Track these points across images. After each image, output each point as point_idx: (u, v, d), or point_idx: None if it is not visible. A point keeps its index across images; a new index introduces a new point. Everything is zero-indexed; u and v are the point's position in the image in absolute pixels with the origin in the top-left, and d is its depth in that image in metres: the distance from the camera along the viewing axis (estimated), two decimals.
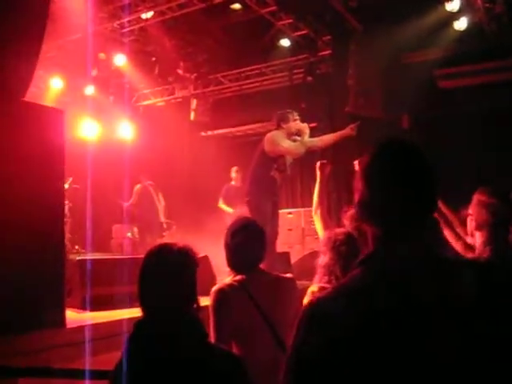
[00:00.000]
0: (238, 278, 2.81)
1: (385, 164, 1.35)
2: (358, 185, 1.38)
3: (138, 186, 10.35)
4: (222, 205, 9.43)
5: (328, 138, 6.83)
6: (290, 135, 6.30)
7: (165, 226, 10.12)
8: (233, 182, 9.77)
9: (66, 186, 9.06)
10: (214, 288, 2.80)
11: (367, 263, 1.30)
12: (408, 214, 1.31)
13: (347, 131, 6.54)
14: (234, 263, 2.88)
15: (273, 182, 6.31)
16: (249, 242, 2.85)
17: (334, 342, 1.18)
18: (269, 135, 6.29)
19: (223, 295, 2.72)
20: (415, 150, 1.40)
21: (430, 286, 1.21)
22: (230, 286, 2.77)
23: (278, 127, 6.37)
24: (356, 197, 1.39)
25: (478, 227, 3.33)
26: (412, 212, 1.32)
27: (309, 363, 1.20)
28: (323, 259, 3.24)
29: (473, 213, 3.36)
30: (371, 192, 1.35)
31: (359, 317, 1.18)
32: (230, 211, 9.04)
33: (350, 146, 7.44)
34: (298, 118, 6.44)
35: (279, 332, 2.69)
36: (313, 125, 6.85)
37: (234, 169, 9.79)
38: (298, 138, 6.30)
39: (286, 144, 6.21)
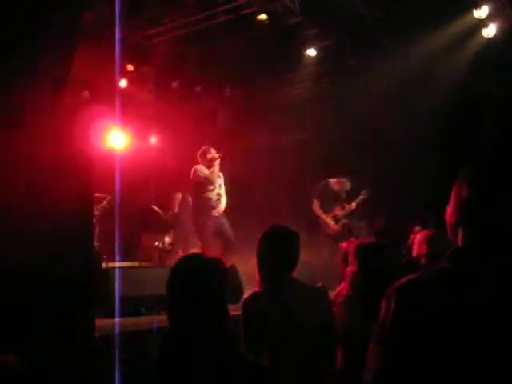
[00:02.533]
0: (268, 287, 2.77)
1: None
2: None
3: (179, 195, 10.30)
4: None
5: None
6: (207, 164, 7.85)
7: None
8: None
9: (105, 202, 9.22)
10: (245, 297, 2.78)
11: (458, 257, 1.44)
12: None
13: None
14: (265, 271, 2.84)
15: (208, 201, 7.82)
16: (279, 251, 2.82)
17: (422, 320, 1.32)
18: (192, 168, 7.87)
19: (253, 304, 2.70)
20: None
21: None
22: (260, 294, 2.74)
23: (200, 161, 7.93)
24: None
25: None
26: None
27: (400, 337, 1.35)
28: (351, 268, 3.24)
29: None
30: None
31: (449, 298, 1.32)
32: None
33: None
34: (212, 152, 7.93)
35: (309, 341, 2.66)
36: None
37: None
38: (212, 170, 7.83)
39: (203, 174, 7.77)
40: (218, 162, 7.90)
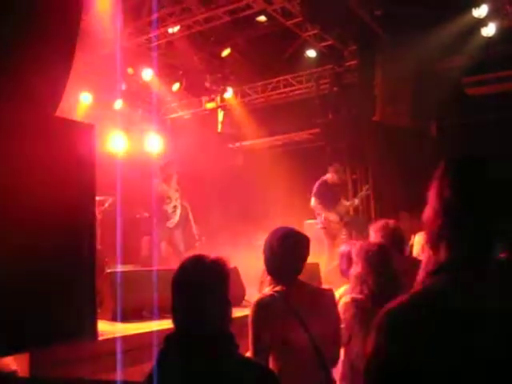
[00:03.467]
0: (278, 288, 2.74)
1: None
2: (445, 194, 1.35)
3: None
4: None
5: None
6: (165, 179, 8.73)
7: (197, 237, 10.12)
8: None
9: (106, 205, 9.22)
10: (255, 299, 2.75)
11: (442, 273, 1.30)
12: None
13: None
14: (277, 273, 2.82)
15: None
16: (294, 253, 2.80)
17: (413, 349, 1.18)
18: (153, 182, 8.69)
19: (264, 306, 2.67)
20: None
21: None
22: (270, 297, 2.70)
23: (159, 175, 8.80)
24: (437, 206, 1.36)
25: None
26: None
27: (389, 370, 1.22)
28: (355, 269, 3.23)
29: None
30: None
31: (438, 323, 1.19)
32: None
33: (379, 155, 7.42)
34: (170, 168, 8.80)
35: (318, 344, 2.65)
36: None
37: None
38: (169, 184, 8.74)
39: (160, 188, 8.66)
40: (175, 178, 8.71)
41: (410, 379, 1.18)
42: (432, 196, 1.37)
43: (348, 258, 3.69)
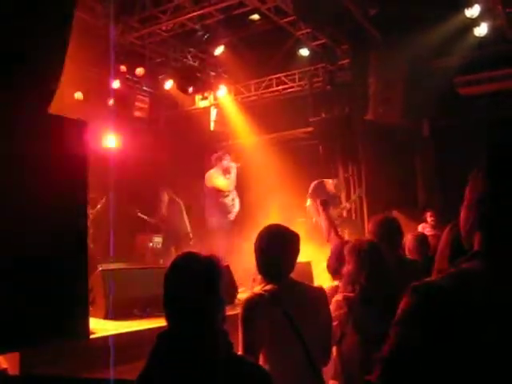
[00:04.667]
0: (269, 287, 2.72)
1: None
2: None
3: (165, 196, 10.26)
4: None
5: None
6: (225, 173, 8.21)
7: (191, 235, 10.12)
8: None
9: (99, 206, 9.20)
10: (245, 298, 2.74)
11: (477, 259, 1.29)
12: None
13: None
14: (267, 271, 2.80)
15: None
16: (283, 251, 2.79)
17: (441, 331, 1.18)
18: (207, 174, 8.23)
19: (254, 305, 2.65)
20: None
21: None
22: (260, 295, 2.68)
23: (214, 165, 8.34)
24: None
25: None
26: None
27: (411, 351, 1.21)
28: (347, 267, 3.23)
29: None
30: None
31: (467, 303, 1.19)
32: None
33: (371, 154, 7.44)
34: (227, 159, 8.34)
35: (308, 343, 2.65)
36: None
37: None
38: (228, 176, 8.25)
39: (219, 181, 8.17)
40: (234, 171, 8.22)
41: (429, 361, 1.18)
42: (467, 193, 1.36)
43: (337, 257, 3.70)
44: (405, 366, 1.22)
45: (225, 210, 8.28)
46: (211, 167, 8.45)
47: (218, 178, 8.18)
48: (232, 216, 8.50)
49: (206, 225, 8.63)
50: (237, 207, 8.53)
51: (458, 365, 1.16)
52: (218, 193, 8.21)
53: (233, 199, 8.37)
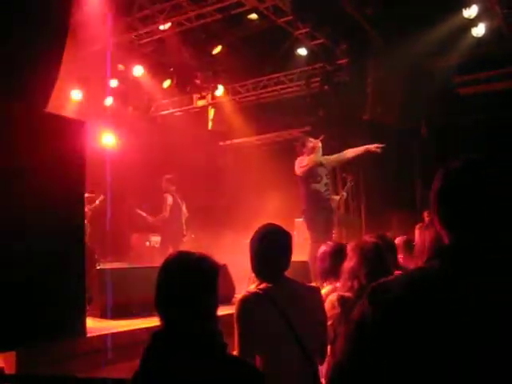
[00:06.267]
0: (263, 286, 2.71)
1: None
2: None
3: (169, 199, 10.11)
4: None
5: (354, 151, 7.59)
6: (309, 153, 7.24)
7: (185, 233, 10.11)
8: None
9: (97, 202, 9.18)
10: (239, 297, 2.72)
11: (439, 258, 1.34)
12: None
13: (373, 148, 7.33)
14: (260, 270, 2.79)
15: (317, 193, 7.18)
16: (275, 250, 2.78)
17: (395, 325, 1.25)
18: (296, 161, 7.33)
19: (248, 304, 2.64)
20: None
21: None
22: (254, 294, 2.68)
23: (300, 153, 7.36)
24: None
25: None
26: None
27: (366, 337, 1.30)
28: (348, 263, 3.23)
29: None
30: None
31: (423, 303, 1.25)
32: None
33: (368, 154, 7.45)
34: (311, 140, 7.38)
35: (304, 342, 2.64)
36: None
37: None
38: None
39: (305, 161, 7.17)
40: (319, 148, 7.26)
41: (386, 351, 1.24)
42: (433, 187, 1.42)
43: (329, 258, 3.69)
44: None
45: (320, 197, 7.22)
46: (298, 155, 7.50)
47: (303, 163, 7.23)
48: (334, 203, 7.51)
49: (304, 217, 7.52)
50: (329, 192, 7.44)
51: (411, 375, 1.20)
52: (307, 179, 7.23)
53: (326, 184, 7.31)
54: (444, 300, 1.23)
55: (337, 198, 8.85)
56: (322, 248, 3.89)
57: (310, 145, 7.29)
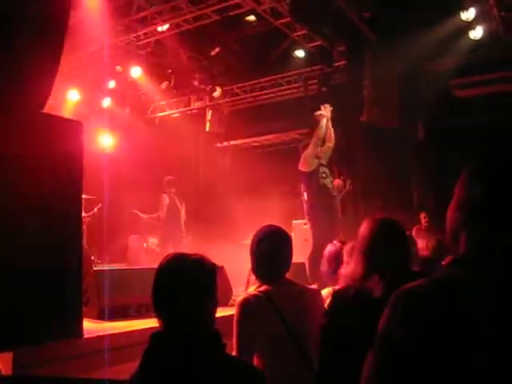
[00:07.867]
0: (263, 288, 2.71)
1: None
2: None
3: (166, 199, 10.09)
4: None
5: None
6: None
7: (184, 234, 10.11)
8: None
9: (95, 209, 9.17)
10: (240, 299, 2.71)
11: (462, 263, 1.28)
12: None
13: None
14: (261, 272, 2.79)
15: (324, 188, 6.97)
16: (276, 251, 2.77)
17: (423, 331, 1.18)
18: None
19: (248, 306, 2.63)
20: None
21: None
22: (255, 296, 2.67)
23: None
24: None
25: None
26: None
27: (395, 349, 1.21)
28: (346, 268, 3.22)
29: None
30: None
31: (453, 310, 1.18)
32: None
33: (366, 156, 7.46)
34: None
35: (304, 344, 2.63)
36: None
37: None
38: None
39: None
40: (328, 151, 7.13)
41: (418, 362, 1.17)
42: (456, 192, 1.36)
43: (332, 260, 3.67)
44: None
45: (326, 193, 7.03)
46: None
47: (309, 160, 7.03)
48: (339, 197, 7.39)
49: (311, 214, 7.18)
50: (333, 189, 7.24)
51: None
52: (313, 176, 7.02)
53: (332, 181, 7.21)
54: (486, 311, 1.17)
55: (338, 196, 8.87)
56: (331, 247, 3.86)
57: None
